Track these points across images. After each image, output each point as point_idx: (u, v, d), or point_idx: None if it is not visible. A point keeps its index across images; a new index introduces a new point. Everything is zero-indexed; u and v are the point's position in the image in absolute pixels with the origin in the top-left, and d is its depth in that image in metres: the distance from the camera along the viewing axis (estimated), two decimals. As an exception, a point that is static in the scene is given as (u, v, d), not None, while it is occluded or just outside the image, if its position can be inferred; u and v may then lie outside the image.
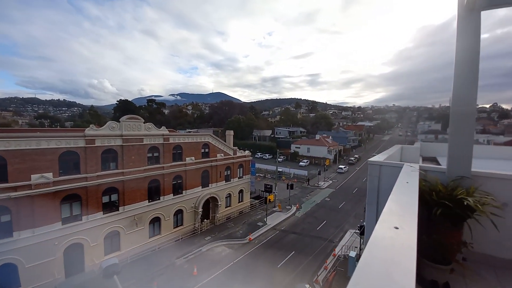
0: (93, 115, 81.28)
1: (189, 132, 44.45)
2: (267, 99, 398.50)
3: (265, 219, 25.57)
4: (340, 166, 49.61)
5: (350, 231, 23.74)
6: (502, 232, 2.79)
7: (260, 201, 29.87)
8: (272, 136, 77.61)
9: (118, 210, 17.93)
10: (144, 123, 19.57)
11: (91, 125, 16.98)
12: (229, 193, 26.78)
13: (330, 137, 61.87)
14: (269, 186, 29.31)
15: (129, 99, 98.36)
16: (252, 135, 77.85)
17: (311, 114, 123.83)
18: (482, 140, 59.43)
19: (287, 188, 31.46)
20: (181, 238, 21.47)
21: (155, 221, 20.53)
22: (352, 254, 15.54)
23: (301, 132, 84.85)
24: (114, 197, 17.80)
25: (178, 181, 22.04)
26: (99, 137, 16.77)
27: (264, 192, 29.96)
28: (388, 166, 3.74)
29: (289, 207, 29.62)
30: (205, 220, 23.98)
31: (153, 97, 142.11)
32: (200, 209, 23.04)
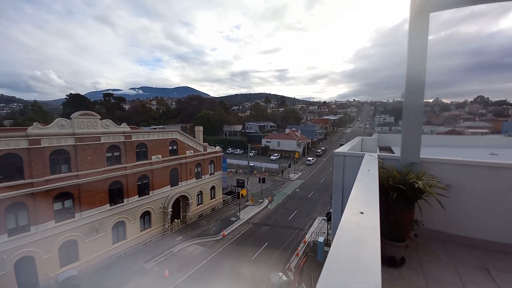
0: (37, 112, 70.84)
1: (154, 128, 41.81)
2: (237, 94, 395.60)
3: (238, 214, 25.66)
4: (309, 158, 52.09)
5: (319, 218, 25.23)
6: (447, 210, 3.19)
7: (232, 196, 29.81)
8: (242, 131, 77.53)
9: (74, 217, 16.14)
10: (100, 119, 17.75)
11: (34, 123, 14.78)
12: (201, 191, 26.12)
13: (299, 131, 64.32)
14: (241, 181, 29.37)
15: (82, 93, 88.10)
16: (223, 130, 76.75)
17: (280, 109, 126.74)
18: (427, 131, 68.11)
19: (259, 182, 31.93)
20: (150, 241, 20.33)
21: (119, 226, 19.05)
22: (321, 239, 16.57)
23: (271, 126, 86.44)
24: (68, 203, 15.96)
25: (144, 181, 20.69)
26: (45, 136, 14.72)
27: (236, 187, 29.94)
28: (351, 156, 3.98)
29: (262, 200, 30.18)
30: (176, 220, 23.07)
31: (110, 91, 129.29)
32: (170, 209, 22.05)
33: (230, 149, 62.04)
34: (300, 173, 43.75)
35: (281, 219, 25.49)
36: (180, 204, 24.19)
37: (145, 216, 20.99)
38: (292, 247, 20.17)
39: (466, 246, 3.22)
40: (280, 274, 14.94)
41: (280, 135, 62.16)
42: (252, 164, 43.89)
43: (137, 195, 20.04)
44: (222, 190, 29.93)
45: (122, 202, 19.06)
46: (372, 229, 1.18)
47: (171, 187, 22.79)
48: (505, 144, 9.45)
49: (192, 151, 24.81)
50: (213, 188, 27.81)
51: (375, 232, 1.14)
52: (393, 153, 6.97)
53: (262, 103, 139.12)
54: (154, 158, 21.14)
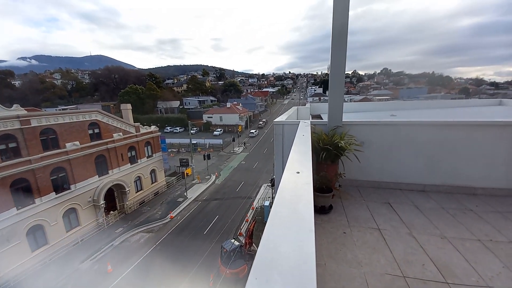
0: None
1: (64, 110, 33.77)
2: (169, 66, 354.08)
3: (185, 194, 24.97)
4: (252, 131, 53.72)
5: (264, 185, 27.30)
6: (361, 162, 3.85)
7: (177, 177, 28.47)
8: (181, 107, 71.91)
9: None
10: (-27, 100, 12.98)
11: None
12: (139, 176, 23.75)
13: (240, 104, 64.39)
14: (184, 160, 28.08)
15: None
16: (157, 107, 69.11)
17: (220, 82, 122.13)
18: (347, 99, 79.46)
19: (204, 159, 31.35)
20: (81, 240, 17.79)
21: (37, 230, 15.78)
22: (266, 203, 18.18)
23: (211, 101, 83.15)
24: None
25: (60, 175, 17.18)
26: None
27: (180, 167, 28.57)
28: (289, 125, 4.20)
29: (209, 176, 30.06)
30: (112, 211, 20.66)
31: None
32: (102, 202, 19.43)
33: (168, 127, 57.25)
34: (244, 146, 45.06)
35: (230, 192, 26.34)
36: (115, 194, 21.54)
37: (70, 214, 17.92)
38: (242, 214, 21.46)
39: (374, 188, 4.05)
40: (232, 240, 15.89)
41: (221, 109, 60.86)
42: (195, 142, 42.17)
43: (53, 192, 16.61)
44: (165, 172, 28.07)
45: (34, 203, 15.52)
46: (306, 185, 1.25)
47: (99, 177, 19.77)
48: (401, 107, 11.97)
49: (121, 133, 21.62)
50: (153, 171, 25.68)
51: (308, 187, 1.22)
52: (322, 119, 7.87)
53: (199, 76, 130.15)
54: (69, 145, 17.47)
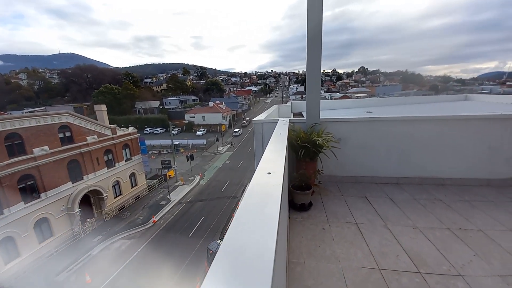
0: None
1: (31, 112, 31.19)
2: (147, 64, 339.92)
3: (168, 197, 24.23)
4: (235, 130, 53.36)
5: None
6: (339, 158, 3.91)
7: (159, 179, 27.52)
8: (161, 107, 69.53)
9: None
10: None
11: None
12: (117, 180, 22.62)
13: (223, 103, 63.66)
14: (166, 162, 27.20)
15: None
16: (135, 108, 66.26)
17: (201, 81, 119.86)
18: (328, 97, 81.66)
19: (187, 160, 30.59)
20: (56, 251, 16.61)
21: (7, 242, 14.58)
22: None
23: (193, 100, 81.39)
24: None
25: (29, 183, 15.88)
26: None
27: (162, 170, 27.65)
28: (268, 123, 4.17)
29: (192, 178, 29.41)
30: (89, 219, 19.49)
31: None
32: (77, 209, 18.27)
33: (148, 128, 55.17)
34: (229, 145, 44.66)
35: (214, 192, 25.97)
36: (91, 200, 20.34)
37: (42, 224, 16.64)
38: (228, 214, 21.26)
39: (352, 183, 4.15)
40: (218, 241, 15.69)
41: (204, 109, 59.77)
42: (177, 142, 41.09)
43: (22, 202, 15.31)
44: (146, 175, 27.00)
45: (2, 213, 14.25)
46: (276, 186, 1.21)
47: (73, 183, 18.55)
48: (377, 104, 12.46)
49: (95, 136, 20.42)
50: (133, 175, 24.60)
51: (278, 188, 1.18)
52: (304, 117, 7.97)
53: (180, 75, 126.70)
54: (37, 151, 16.17)
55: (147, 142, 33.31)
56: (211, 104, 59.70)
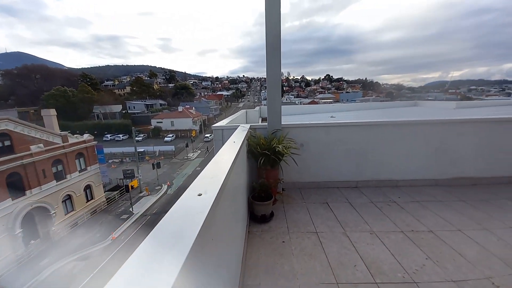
0: None
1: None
2: (108, 65, 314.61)
3: (130, 209, 22.22)
4: (206, 135, 51.97)
5: (221, 191, 26.47)
6: (301, 164, 3.83)
7: (120, 191, 25.18)
8: (124, 112, 64.61)
9: None
10: None
11: None
12: (69, 195, 20.03)
13: (194, 108, 61.79)
14: (129, 171, 25.07)
15: None
16: (93, 113, 60.50)
17: (170, 85, 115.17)
18: (297, 102, 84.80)
19: (154, 168, 28.66)
20: (-11, 282, 13.90)
21: None
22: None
23: (161, 105, 77.43)
24: None
25: None
26: None
27: (124, 180, 25.40)
28: (228, 129, 3.91)
29: (159, 187, 27.57)
30: (32, 241, 16.82)
31: None
32: (19, 230, 15.66)
33: (108, 135, 50.64)
34: (199, 151, 43.23)
35: (184, 201, 24.63)
36: (35, 219, 17.61)
37: (-33, 252, 13.82)
38: (197, 225, 20.25)
39: (314, 188, 4.10)
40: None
41: (172, 113, 57.20)
42: (142, 150, 38.38)
43: None
44: (104, 186, 24.49)
45: None
46: (197, 215, 0.96)
47: (13, 200, 15.88)
48: (341, 109, 13.09)
49: (41, 145, 17.88)
50: (88, 187, 22.06)
51: (198, 218, 0.93)
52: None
53: (146, 78, 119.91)
54: (-39, 163, 13.50)
55: (107, 150, 30.47)
56: (180, 108, 57.42)
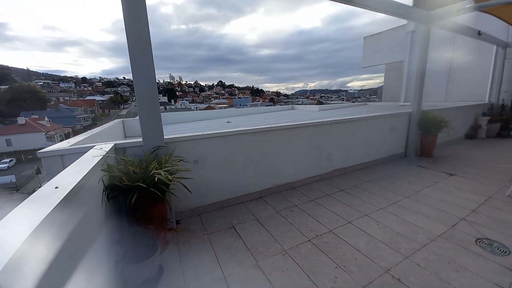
0: None
1: None
2: None
3: None
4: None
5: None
6: (198, 184, 3.07)
7: None
8: None
9: None
10: None
11: None
12: None
13: (47, 118, 45.17)
14: None
15: None
16: None
17: (1, 87, 79.29)
18: (193, 108, 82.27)
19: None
20: None
21: None
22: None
23: (-18, 115, 51.31)
24: None
25: None
26: None
27: None
28: (74, 154, 2.48)
29: None
30: None
31: None
32: None
33: None
34: (64, 176, 32.06)
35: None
36: None
37: None
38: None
39: (218, 210, 3.47)
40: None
41: (7, 128, 39.21)
42: None
43: None
44: None
45: None
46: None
47: None
48: (235, 114, 13.33)
49: None
50: None
51: None
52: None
53: None
54: None
55: None
56: (21, 120, 40.29)
